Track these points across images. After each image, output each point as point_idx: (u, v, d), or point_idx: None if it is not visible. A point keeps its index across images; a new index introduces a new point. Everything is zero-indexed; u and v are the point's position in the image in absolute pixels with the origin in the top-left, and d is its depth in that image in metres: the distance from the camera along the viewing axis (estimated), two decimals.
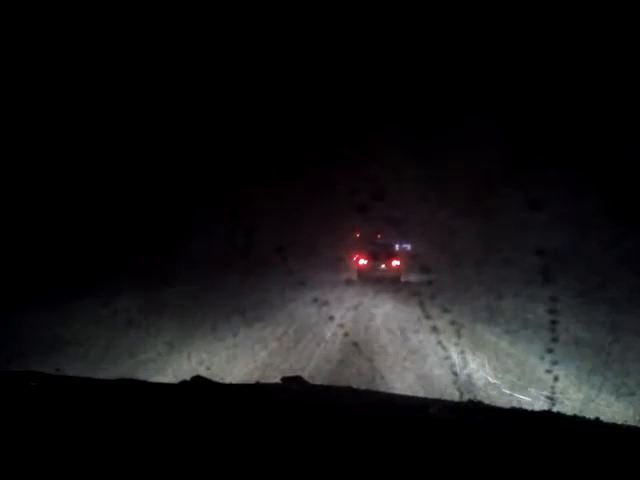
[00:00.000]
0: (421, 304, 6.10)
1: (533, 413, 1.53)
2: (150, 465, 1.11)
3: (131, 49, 9.65)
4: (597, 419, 1.50)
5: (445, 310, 6.21)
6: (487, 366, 5.21)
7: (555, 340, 3.08)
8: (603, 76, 9.27)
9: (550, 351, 2.95)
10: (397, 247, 22.64)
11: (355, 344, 5.66)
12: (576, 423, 1.45)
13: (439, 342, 4.84)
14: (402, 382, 4.77)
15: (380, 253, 15.69)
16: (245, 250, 13.52)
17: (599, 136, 9.25)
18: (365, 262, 15.82)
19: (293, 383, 1.76)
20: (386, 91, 14.07)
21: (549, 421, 1.47)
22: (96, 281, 8.79)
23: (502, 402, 3.98)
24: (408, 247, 20.47)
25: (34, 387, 1.63)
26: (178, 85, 11.00)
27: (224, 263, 13.04)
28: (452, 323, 5.48)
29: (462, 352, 5.06)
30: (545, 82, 10.30)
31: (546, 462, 1.13)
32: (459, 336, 5.46)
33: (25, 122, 8.57)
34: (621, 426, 1.55)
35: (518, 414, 1.53)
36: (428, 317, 5.26)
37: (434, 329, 4.98)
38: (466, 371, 4.45)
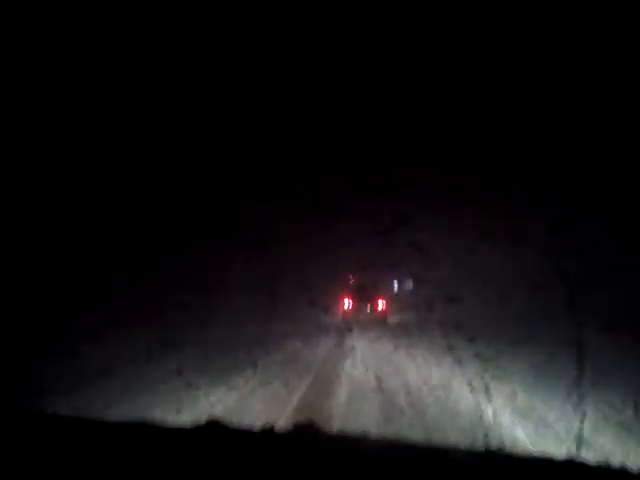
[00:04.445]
0: None
1: (556, 462, 1.48)
2: None
3: (149, 66, 9.77)
4: (623, 467, 1.44)
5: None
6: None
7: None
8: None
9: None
10: (396, 286, 22.06)
11: None
12: (600, 472, 1.40)
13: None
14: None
15: (365, 295, 15.12)
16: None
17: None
18: (349, 305, 15.26)
19: (307, 429, 1.73)
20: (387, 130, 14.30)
21: (572, 470, 1.42)
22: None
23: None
24: (410, 284, 19.77)
25: (45, 429, 1.62)
26: (192, 105, 11.17)
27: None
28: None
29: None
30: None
31: None
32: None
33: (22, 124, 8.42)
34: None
35: (540, 462, 1.48)
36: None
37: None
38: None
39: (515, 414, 4.89)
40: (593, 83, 9.33)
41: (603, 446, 3.63)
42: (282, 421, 4.89)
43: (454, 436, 4.30)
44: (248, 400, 5.86)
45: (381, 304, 15.25)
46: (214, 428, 1.57)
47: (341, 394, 6.20)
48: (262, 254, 14.01)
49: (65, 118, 8.98)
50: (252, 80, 11.33)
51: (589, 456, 3.34)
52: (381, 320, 14.80)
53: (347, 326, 14.18)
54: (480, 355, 6.85)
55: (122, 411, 4.82)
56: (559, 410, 4.72)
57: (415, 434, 4.37)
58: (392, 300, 16.32)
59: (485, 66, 10.67)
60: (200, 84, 10.84)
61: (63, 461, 1.34)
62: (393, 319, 15.32)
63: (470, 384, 5.41)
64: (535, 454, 1.63)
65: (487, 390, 5.12)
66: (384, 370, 7.93)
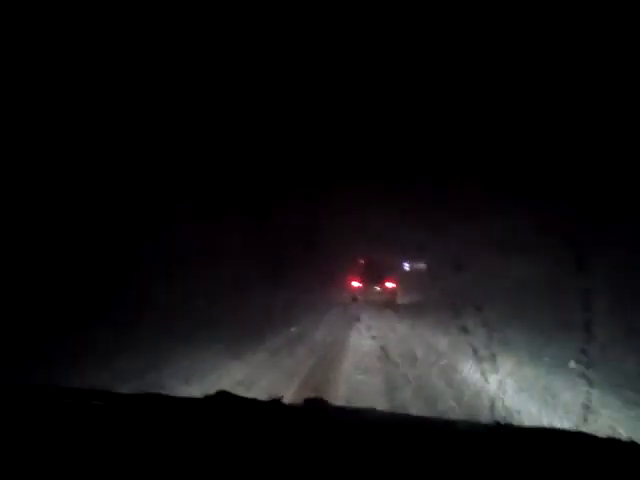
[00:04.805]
0: None
1: (565, 434, 1.48)
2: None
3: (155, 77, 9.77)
4: (632, 441, 1.43)
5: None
6: None
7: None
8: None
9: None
10: (407, 266, 21.83)
11: None
12: (609, 444, 1.39)
13: None
14: None
15: (375, 276, 14.97)
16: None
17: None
18: (359, 285, 15.15)
19: (315, 404, 1.74)
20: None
21: (581, 442, 1.42)
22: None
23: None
24: (423, 266, 19.57)
25: (56, 402, 1.66)
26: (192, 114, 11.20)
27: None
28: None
29: None
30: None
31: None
32: None
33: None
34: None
35: (549, 434, 1.48)
36: None
37: None
38: None
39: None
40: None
41: (609, 415, 3.63)
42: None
43: (460, 406, 4.34)
44: None
45: (390, 284, 15.12)
46: (224, 398, 1.59)
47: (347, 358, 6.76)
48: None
49: (64, 119, 8.95)
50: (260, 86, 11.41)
51: (595, 424, 3.35)
52: (390, 300, 14.67)
53: (356, 303, 14.42)
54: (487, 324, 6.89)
55: None
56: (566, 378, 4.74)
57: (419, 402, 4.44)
58: (402, 281, 16.21)
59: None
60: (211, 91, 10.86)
61: (73, 434, 1.36)
62: (403, 300, 15.26)
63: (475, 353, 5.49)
64: (544, 426, 1.63)
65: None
66: (390, 340, 8.13)
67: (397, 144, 15.31)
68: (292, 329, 9.30)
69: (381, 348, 7.26)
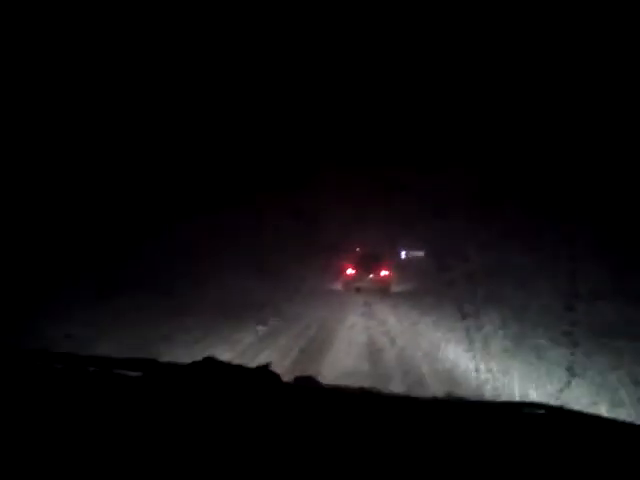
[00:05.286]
0: None
1: (545, 407, 1.49)
2: (157, 444, 1.13)
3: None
4: (613, 419, 1.45)
5: None
6: None
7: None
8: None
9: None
10: (404, 254, 21.78)
11: None
12: (580, 418, 1.41)
13: None
14: None
15: (369, 264, 14.88)
16: None
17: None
18: (352, 272, 15.04)
19: (306, 382, 1.74)
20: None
21: (562, 418, 1.43)
22: None
23: None
24: (421, 254, 19.48)
25: (46, 366, 1.67)
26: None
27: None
28: None
29: None
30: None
31: (546, 457, 1.10)
32: None
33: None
34: (623, 422, 1.49)
35: (530, 409, 1.49)
36: None
37: None
38: None
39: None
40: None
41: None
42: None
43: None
44: None
45: (384, 273, 15.02)
46: (211, 364, 1.59)
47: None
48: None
49: (65, 117, 8.93)
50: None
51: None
52: (383, 288, 14.60)
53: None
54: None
55: None
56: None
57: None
58: (398, 268, 16.17)
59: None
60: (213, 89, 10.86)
61: (63, 399, 1.38)
62: (397, 289, 15.22)
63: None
64: (526, 401, 1.64)
65: None
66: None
67: (396, 132, 15.28)
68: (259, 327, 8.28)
69: None
